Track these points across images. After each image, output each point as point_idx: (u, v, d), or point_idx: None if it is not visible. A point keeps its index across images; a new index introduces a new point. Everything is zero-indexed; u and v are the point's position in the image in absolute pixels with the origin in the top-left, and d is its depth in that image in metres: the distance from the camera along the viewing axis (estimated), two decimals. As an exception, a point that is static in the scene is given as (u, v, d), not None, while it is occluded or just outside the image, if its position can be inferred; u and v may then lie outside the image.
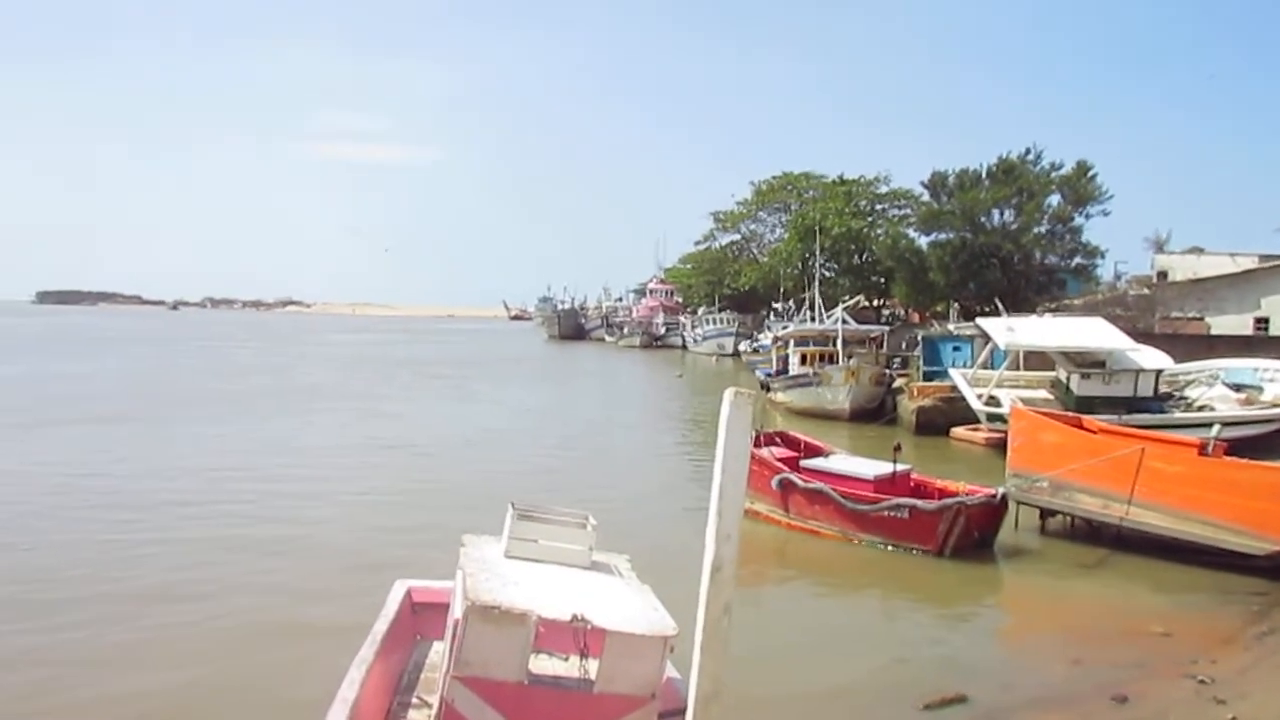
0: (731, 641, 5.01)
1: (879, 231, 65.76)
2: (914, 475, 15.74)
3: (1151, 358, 25.31)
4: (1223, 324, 36.08)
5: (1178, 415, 23.26)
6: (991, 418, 24.97)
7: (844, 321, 38.24)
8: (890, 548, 14.29)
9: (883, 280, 62.88)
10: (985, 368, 27.80)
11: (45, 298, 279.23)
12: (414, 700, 6.67)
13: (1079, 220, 50.61)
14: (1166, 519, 14.13)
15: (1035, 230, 49.77)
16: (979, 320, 31.10)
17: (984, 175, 51.65)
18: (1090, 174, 50.06)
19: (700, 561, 5.05)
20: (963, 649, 10.71)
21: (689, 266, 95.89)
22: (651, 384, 52.11)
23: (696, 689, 4.81)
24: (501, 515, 6.88)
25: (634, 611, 5.89)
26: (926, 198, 56.43)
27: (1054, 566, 14.17)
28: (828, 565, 14.15)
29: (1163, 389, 25.00)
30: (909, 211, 65.71)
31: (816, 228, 59.84)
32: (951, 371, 29.29)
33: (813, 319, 45.88)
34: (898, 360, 38.48)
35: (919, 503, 14.29)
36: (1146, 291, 43.48)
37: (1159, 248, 53.15)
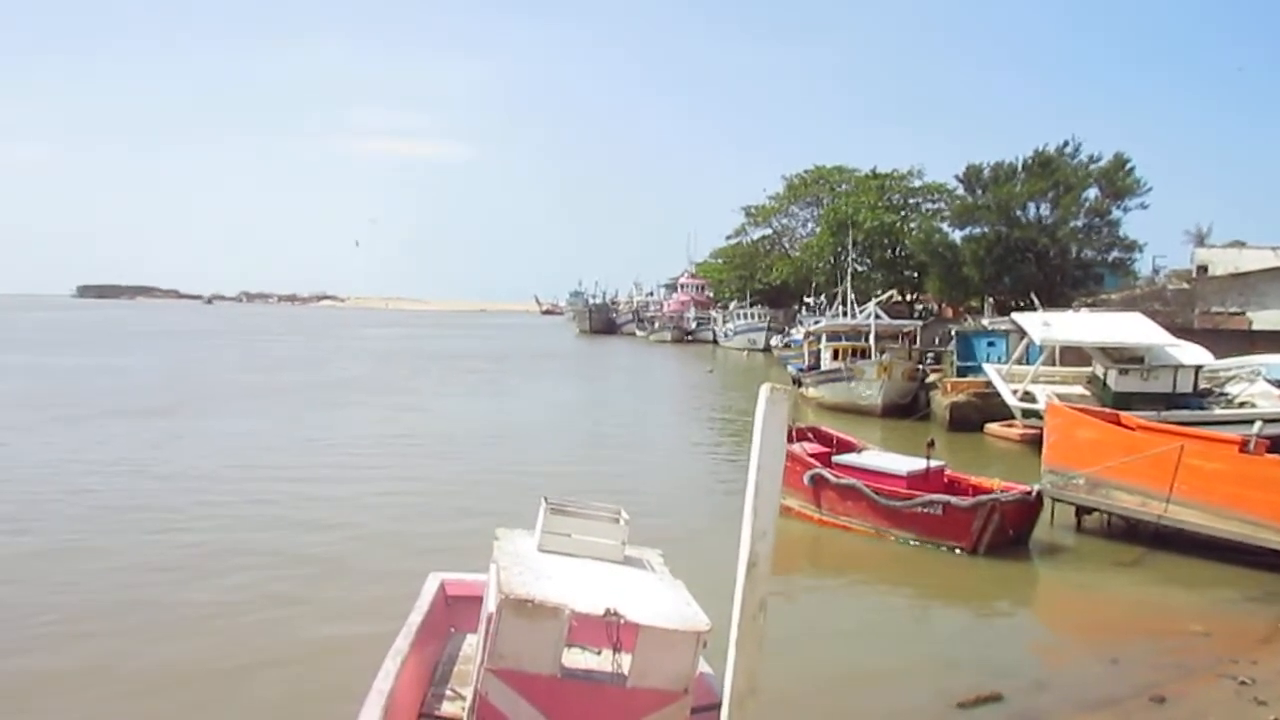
0: (765, 638, 5.01)
1: (912, 225, 65.06)
2: (948, 472, 15.61)
3: (1191, 353, 24.87)
4: (1265, 319, 35.29)
5: (1218, 412, 22.85)
6: (1027, 414, 24.69)
7: (876, 316, 37.99)
8: (923, 545, 14.19)
9: (916, 275, 62.27)
10: (1020, 363, 27.48)
11: (85, 292, 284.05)
12: (448, 692, 6.72)
13: (1117, 214, 49.81)
14: (1206, 517, 13.90)
15: (1072, 224, 49.04)
16: (1014, 315, 30.76)
17: (1019, 168, 50.96)
18: (1128, 167, 49.25)
19: (734, 557, 5.05)
20: (997, 647, 10.62)
21: (720, 261, 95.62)
22: (682, 379, 52.07)
23: (732, 685, 4.81)
24: (534, 509, 6.91)
25: (667, 606, 5.90)
26: (960, 191, 55.78)
27: (1090, 564, 14.00)
28: (860, 562, 14.08)
29: (1203, 385, 24.56)
30: (942, 205, 64.99)
31: (849, 222, 59.53)
32: (986, 367, 29.01)
33: (845, 314, 45.68)
34: (931, 355, 38.12)
35: (953, 499, 14.17)
36: (1186, 286, 42.68)
37: (1200, 241, 52.11)
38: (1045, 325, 26.16)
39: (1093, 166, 50.04)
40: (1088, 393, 24.87)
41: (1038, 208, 49.80)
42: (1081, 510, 15.60)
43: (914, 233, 61.60)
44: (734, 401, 37.32)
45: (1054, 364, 27.27)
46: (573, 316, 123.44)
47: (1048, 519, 15.17)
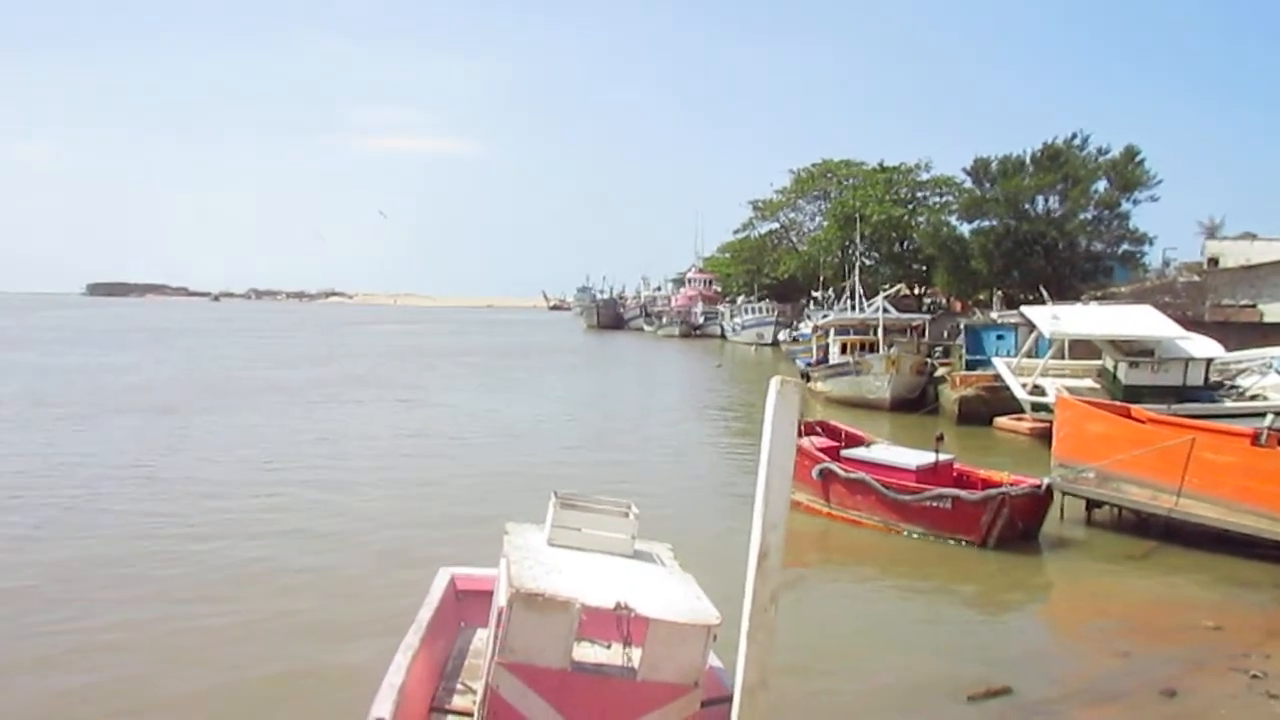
0: (776, 630, 5.00)
1: (920, 219, 64.98)
2: (957, 465, 15.57)
3: (1202, 346, 24.78)
4: (1276, 311, 35.10)
5: (1229, 404, 22.78)
6: (1036, 407, 24.65)
7: (885, 310, 37.96)
8: (932, 538, 14.17)
9: (924, 268, 62.15)
10: (1030, 356, 27.43)
11: (95, 290, 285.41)
12: (459, 686, 6.74)
13: (1127, 206, 49.63)
14: (1217, 510, 13.85)
15: (1081, 217, 48.86)
16: (1023, 308, 30.67)
17: (1028, 161, 50.78)
18: (1138, 159, 49.04)
19: (744, 550, 5.05)
20: (1007, 641, 10.61)
21: (728, 256, 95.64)
22: (690, 374, 52.06)
23: (743, 677, 4.81)
24: (543, 504, 6.92)
25: (677, 600, 5.90)
26: (969, 184, 55.63)
27: (1101, 558, 13.95)
28: (869, 555, 14.06)
29: (1214, 378, 24.49)
30: (950, 199, 64.89)
31: (856, 215, 59.33)
32: (995, 360, 28.93)
33: (853, 308, 45.56)
34: (939, 349, 38.06)
35: (962, 493, 14.14)
36: (1197, 278, 42.49)
37: (1211, 233, 51.88)
38: (1054, 318, 26.08)
39: (1102, 159, 49.86)
40: (1097, 386, 24.81)
41: (1046, 201, 49.64)
42: (1091, 504, 15.55)
43: (922, 226, 61.52)
44: (742, 396, 37.32)
45: (1063, 357, 27.19)
46: (580, 312, 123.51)
47: (1057, 513, 15.12)
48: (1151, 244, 51.03)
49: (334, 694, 7.93)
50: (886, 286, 48.90)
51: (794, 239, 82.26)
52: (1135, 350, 24.52)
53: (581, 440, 24.45)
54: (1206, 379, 24.07)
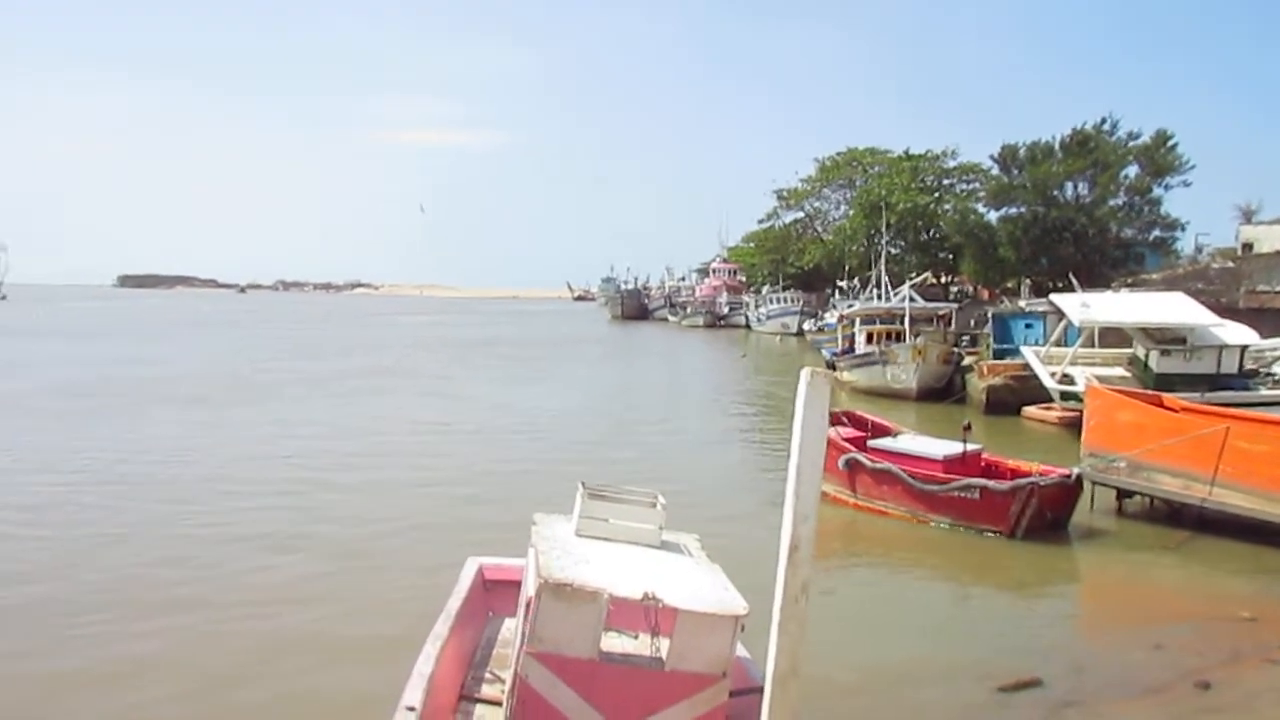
0: (805, 621, 4.99)
1: (947, 207, 64.34)
2: (985, 455, 15.45)
3: (1236, 333, 24.42)
4: (1313, 298, 34.61)
5: (1265, 393, 22.43)
6: (1065, 396, 24.38)
7: (911, 299, 37.68)
8: (960, 529, 14.07)
9: (951, 257, 61.64)
10: (1058, 345, 27.15)
11: (126, 281, 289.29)
12: (488, 675, 6.79)
13: (1158, 192, 49.02)
14: (1252, 500, 13.63)
15: (1111, 203, 48.33)
16: (1052, 296, 30.37)
17: (1057, 147, 50.21)
18: (1170, 143, 48.38)
19: (770, 541, 5.03)
20: (1037, 632, 10.51)
21: (752, 245, 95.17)
22: (715, 364, 51.99)
23: (774, 667, 4.80)
24: (571, 494, 6.94)
25: (705, 590, 5.90)
26: (996, 172, 55.11)
27: (1132, 549, 13.81)
28: (896, 546, 13.99)
29: (1248, 366, 24.13)
30: (978, 186, 64.26)
31: (882, 204, 58.91)
32: (1023, 349, 28.66)
33: (879, 297, 45.30)
34: (967, 338, 37.79)
35: (990, 483, 14.03)
36: (1231, 264, 41.88)
37: (1248, 218, 51.02)
38: (1084, 306, 25.81)
39: (1132, 144, 49.22)
40: (1128, 374, 24.51)
41: (1075, 187, 49.12)
42: (1122, 494, 15.38)
43: (949, 214, 60.94)
44: (766, 387, 37.23)
45: (1093, 346, 26.89)
46: (605, 303, 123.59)
47: (1087, 503, 14.96)
48: (1184, 230, 50.45)
49: (364, 683, 8.00)
50: (913, 275, 48.50)
51: (819, 228, 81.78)
52: (1167, 338, 24.21)
53: (607, 431, 24.49)
54: (1241, 367, 23.72)
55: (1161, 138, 48.55)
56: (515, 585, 7.25)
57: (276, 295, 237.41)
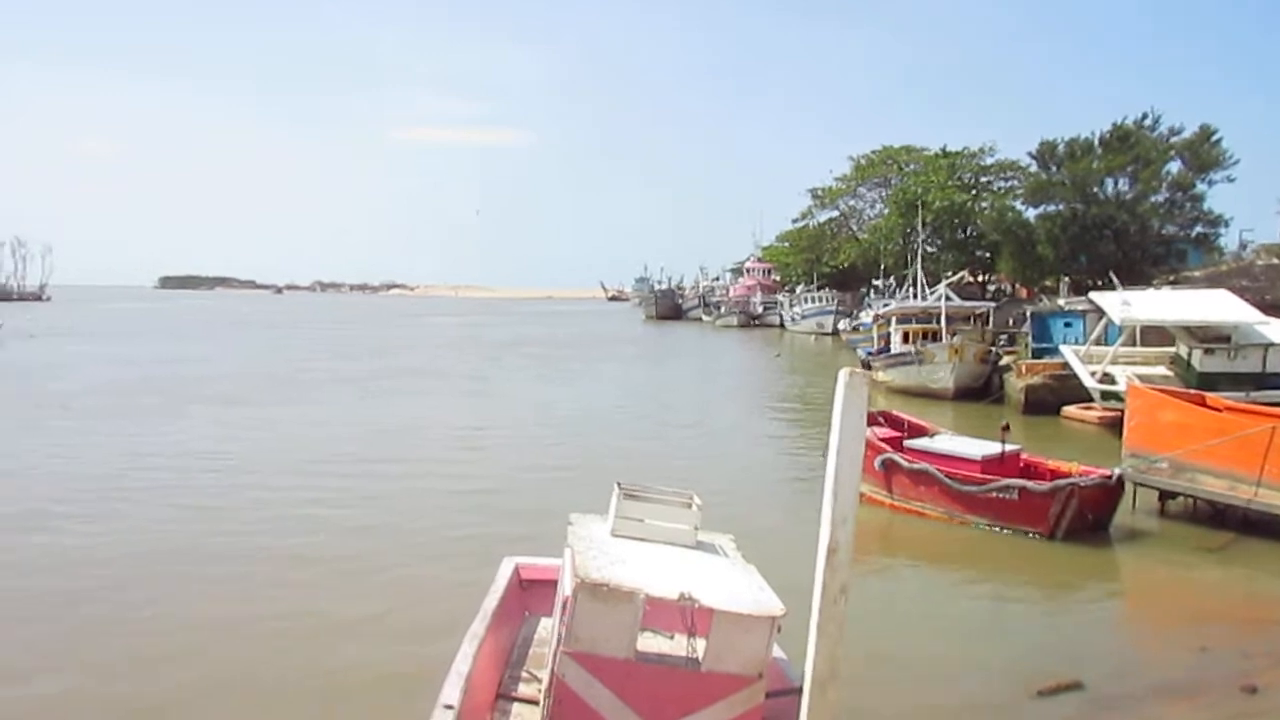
0: (844, 623, 4.98)
1: (984, 204, 63.59)
2: (1024, 455, 15.28)
3: (1282, 331, 23.93)
4: (1362, 295, 33.76)
5: (1312, 392, 21.95)
6: (1106, 396, 24.03)
7: (947, 298, 37.34)
8: (999, 530, 13.93)
9: (988, 255, 60.83)
10: (1099, 344, 26.76)
11: (167, 282, 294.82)
12: (524, 674, 6.84)
13: (1201, 188, 48.06)
14: (1300, 502, 13.37)
15: (1152, 199, 47.45)
16: (1092, 294, 29.92)
17: (1096, 143, 49.42)
18: (1214, 138, 47.42)
19: (807, 542, 5.03)
20: (1077, 634, 10.37)
21: (786, 244, 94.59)
22: (750, 364, 51.83)
23: (813, 670, 4.80)
24: (606, 494, 6.97)
25: (741, 591, 5.91)
26: (1034, 169, 54.34)
27: (1175, 550, 13.58)
28: (934, 548, 13.88)
29: (1296, 365, 23.62)
30: (1015, 183, 63.47)
31: (918, 202, 58.33)
32: (1063, 348, 28.27)
33: (915, 296, 44.91)
34: (1005, 337, 37.36)
35: (1029, 484, 13.87)
36: (1276, 261, 40.99)
37: (1292, 212, 49.93)
38: (1125, 304, 25.39)
39: (1174, 139, 48.31)
40: (1170, 374, 24.12)
41: (1116, 183, 48.29)
42: (1165, 495, 15.13)
43: (986, 212, 60.19)
44: (802, 387, 37.05)
45: (1134, 344, 26.49)
46: (639, 303, 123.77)
47: (1129, 504, 14.75)
48: (1227, 226, 49.37)
49: (402, 681, 8.09)
50: (949, 274, 48.07)
51: (854, 227, 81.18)
52: (1210, 336, 23.78)
53: (642, 431, 24.52)
54: (1287, 365, 23.23)
55: (1205, 133, 47.61)
56: (551, 585, 7.30)
57: (313, 296, 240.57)
